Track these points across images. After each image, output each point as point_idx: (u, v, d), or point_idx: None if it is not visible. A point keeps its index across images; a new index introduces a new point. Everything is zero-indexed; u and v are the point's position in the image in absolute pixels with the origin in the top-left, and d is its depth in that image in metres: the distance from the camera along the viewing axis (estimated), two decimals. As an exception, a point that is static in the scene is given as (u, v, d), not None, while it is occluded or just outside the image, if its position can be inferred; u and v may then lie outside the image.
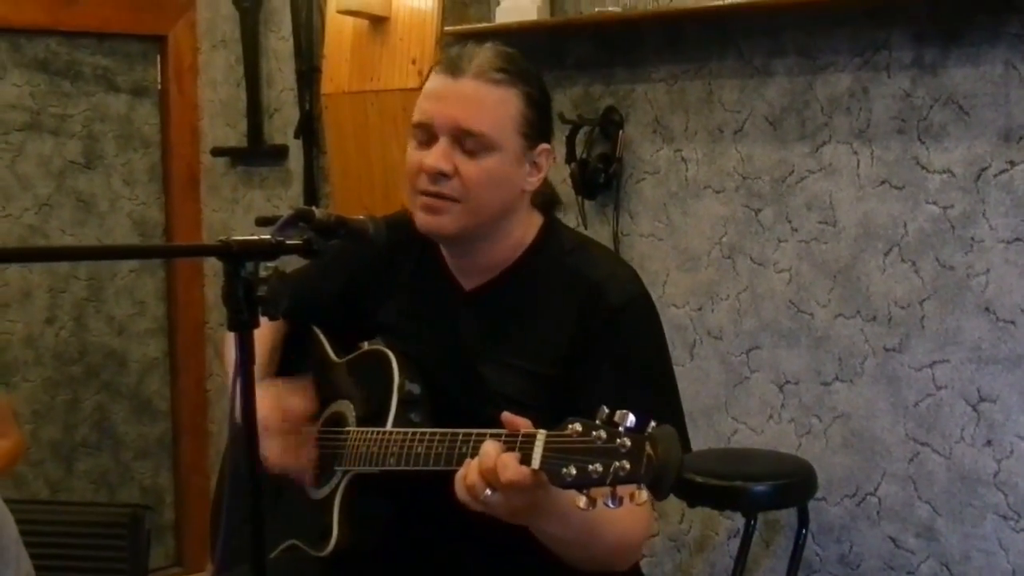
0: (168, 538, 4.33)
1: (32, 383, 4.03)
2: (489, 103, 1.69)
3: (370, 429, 1.74)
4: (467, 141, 1.69)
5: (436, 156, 1.69)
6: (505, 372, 1.74)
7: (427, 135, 1.71)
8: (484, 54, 1.71)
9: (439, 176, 1.69)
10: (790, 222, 2.80)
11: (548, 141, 1.77)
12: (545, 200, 1.82)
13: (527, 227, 1.80)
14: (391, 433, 1.70)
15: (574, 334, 1.71)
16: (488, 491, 1.44)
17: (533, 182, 1.75)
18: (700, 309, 3.00)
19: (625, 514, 1.64)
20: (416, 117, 1.73)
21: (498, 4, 3.20)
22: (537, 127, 1.74)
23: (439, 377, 1.79)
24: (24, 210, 3.97)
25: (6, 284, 3.94)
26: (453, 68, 1.70)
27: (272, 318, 1.40)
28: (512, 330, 1.76)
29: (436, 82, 1.72)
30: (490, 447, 1.44)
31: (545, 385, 1.70)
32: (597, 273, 1.74)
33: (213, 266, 4.20)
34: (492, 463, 1.43)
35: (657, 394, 1.64)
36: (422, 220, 1.74)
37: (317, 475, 1.83)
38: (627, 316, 1.71)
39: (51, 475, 4.07)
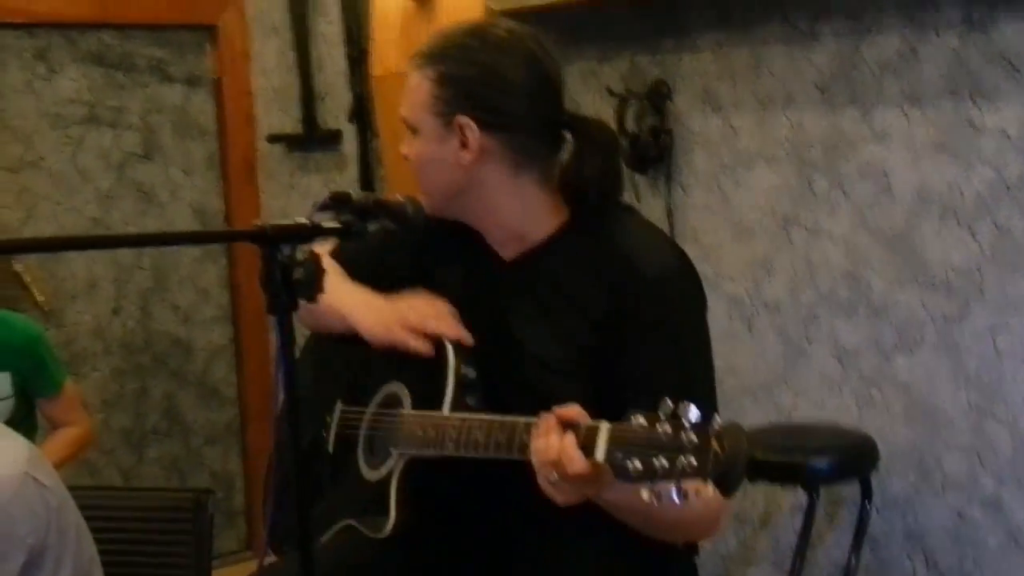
0: (240, 523, 4.38)
1: (101, 373, 4.10)
2: (410, 89, 1.77)
3: (427, 413, 1.75)
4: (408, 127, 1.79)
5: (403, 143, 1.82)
6: (544, 340, 1.73)
7: None
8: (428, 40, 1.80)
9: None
10: (843, 189, 2.76)
11: (468, 113, 1.72)
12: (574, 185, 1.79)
13: (524, 199, 1.77)
14: (449, 418, 1.70)
15: (608, 306, 1.69)
16: (555, 474, 1.45)
17: (466, 156, 1.73)
18: (756, 281, 2.96)
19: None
20: None
21: (543, -20, 3.17)
22: (451, 104, 1.72)
23: (479, 344, 1.79)
24: (86, 203, 4.03)
25: (73, 276, 4.00)
26: None
27: (310, 300, 1.42)
28: (551, 299, 1.75)
29: None
30: (553, 439, 1.45)
31: (583, 353, 1.69)
32: (631, 245, 1.73)
33: (272, 252, 4.22)
34: (556, 455, 1.43)
35: (687, 368, 1.62)
36: None
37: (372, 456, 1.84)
38: (659, 289, 1.69)
39: (123, 462, 4.14)
